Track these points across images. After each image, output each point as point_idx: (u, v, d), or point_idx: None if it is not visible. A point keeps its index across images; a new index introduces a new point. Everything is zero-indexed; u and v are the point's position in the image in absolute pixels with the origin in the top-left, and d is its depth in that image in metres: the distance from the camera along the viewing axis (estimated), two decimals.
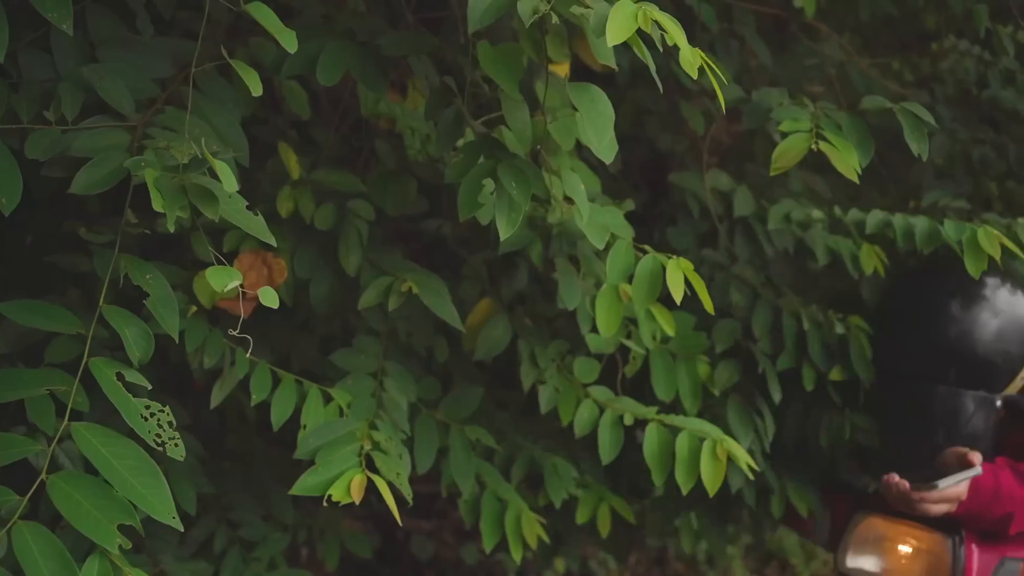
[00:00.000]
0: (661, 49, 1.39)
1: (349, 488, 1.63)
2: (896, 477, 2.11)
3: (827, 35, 2.68)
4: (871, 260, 2.32)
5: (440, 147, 1.69)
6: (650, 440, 1.90)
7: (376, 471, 1.68)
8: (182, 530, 1.28)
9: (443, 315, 1.84)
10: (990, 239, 1.97)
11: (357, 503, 1.64)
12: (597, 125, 1.51)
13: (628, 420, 1.96)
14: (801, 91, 2.70)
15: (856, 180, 1.73)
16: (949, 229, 2.05)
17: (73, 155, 1.41)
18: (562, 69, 2.02)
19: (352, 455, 1.70)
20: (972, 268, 2.00)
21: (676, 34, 1.36)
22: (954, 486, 2.10)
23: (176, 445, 1.33)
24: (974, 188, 2.97)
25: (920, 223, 2.13)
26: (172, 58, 1.59)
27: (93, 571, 1.22)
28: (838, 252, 2.35)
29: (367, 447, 1.72)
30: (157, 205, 1.27)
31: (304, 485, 1.64)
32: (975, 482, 2.12)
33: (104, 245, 1.50)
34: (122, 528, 1.24)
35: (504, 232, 1.54)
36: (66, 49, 1.52)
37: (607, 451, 1.96)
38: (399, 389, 1.92)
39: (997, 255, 1.97)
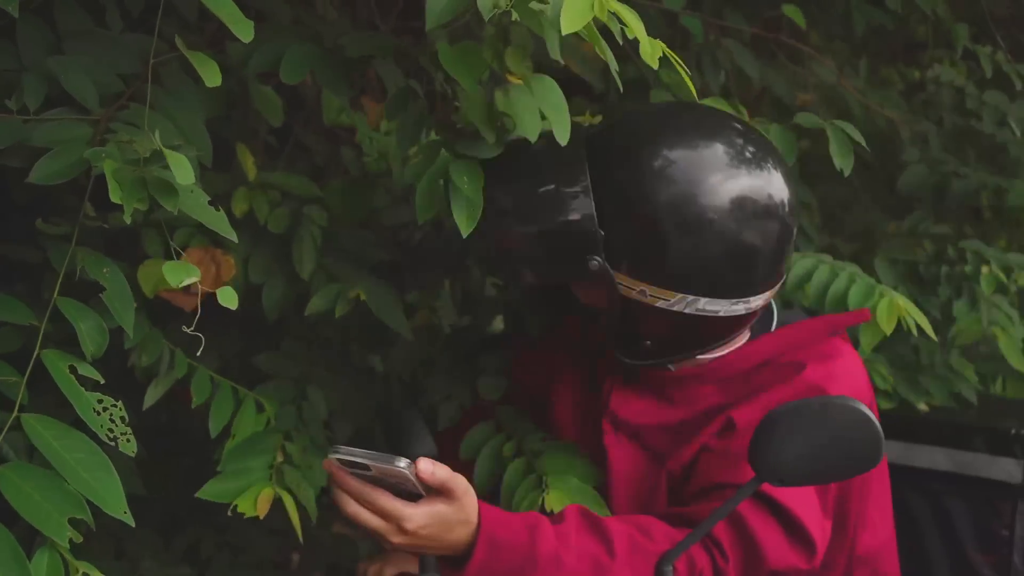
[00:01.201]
0: (621, 42, 1.38)
1: (256, 501, 1.62)
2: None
3: (812, 56, 2.67)
4: None
5: (400, 147, 1.69)
6: None
7: (285, 486, 1.67)
8: (133, 525, 1.26)
9: (391, 323, 1.86)
10: (890, 312, 1.96)
11: (261, 518, 1.62)
12: (554, 115, 1.55)
13: (508, 451, 1.87)
14: (792, 100, 2.71)
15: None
16: (856, 293, 2.03)
17: (34, 146, 1.40)
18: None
19: (263, 467, 1.68)
20: (865, 343, 2.01)
21: (635, 26, 1.35)
22: (367, 491, 1.41)
23: (128, 440, 1.31)
24: (964, 200, 2.94)
25: (838, 282, 2.08)
26: (139, 54, 1.57)
27: (43, 565, 1.20)
28: None
29: (279, 459, 1.71)
30: (115, 197, 1.26)
31: (210, 491, 1.63)
32: (490, 534, 1.45)
33: (60, 238, 1.49)
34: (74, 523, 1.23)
35: (465, 228, 1.54)
36: (31, 41, 1.51)
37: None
38: (321, 397, 1.90)
39: (888, 330, 1.95)
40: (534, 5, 1.36)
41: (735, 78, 2.60)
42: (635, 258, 1.56)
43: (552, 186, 1.57)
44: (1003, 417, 2.42)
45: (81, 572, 1.23)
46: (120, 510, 1.26)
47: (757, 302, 1.62)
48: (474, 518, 1.46)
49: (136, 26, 1.71)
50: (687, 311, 1.59)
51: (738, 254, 1.57)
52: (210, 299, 1.68)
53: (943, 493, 2.30)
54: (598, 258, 1.55)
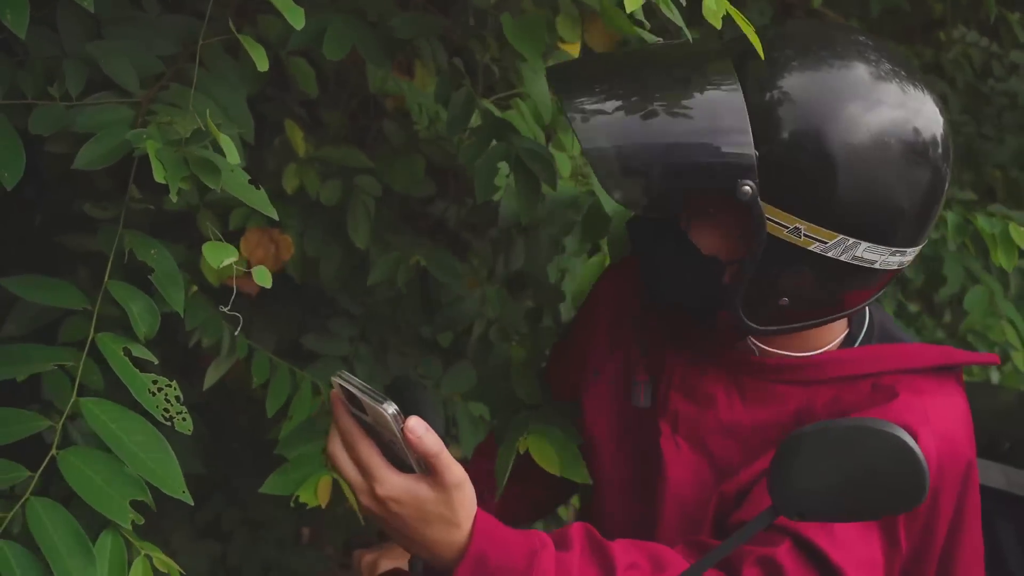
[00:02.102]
0: (684, 3, 1.32)
1: (316, 490, 1.59)
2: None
3: (836, 20, 2.67)
4: None
5: (451, 130, 1.69)
6: None
7: None
8: (192, 503, 1.27)
9: (453, 286, 1.87)
10: (1018, 233, 1.98)
11: (323, 507, 1.59)
12: None
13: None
14: None
15: None
16: (980, 222, 2.06)
17: (77, 131, 1.41)
18: (574, 50, 2.03)
19: (316, 452, 1.66)
20: (1004, 262, 1.98)
21: None
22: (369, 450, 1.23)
23: (184, 419, 1.32)
24: (977, 176, 2.96)
25: (951, 216, 2.14)
26: (178, 36, 1.58)
27: (107, 547, 1.21)
28: None
29: None
30: (159, 176, 1.26)
31: (273, 484, 1.61)
32: (480, 553, 1.24)
33: (109, 221, 1.50)
34: (134, 504, 1.23)
35: (525, 216, 1.54)
36: (72, 27, 1.51)
37: None
38: (367, 375, 1.92)
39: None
40: None
41: None
42: (793, 187, 1.31)
43: (700, 94, 1.31)
44: None
45: (143, 553, 1.23)
46: (179, 490, 1.27)
47: (912, 254, 1.41)
48: (465, 523, 1.24)
49: (175, 8, 1.71)
50: (842, 258, 1.34)
51: (912, 191, 1.34)
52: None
53: (991, 512, 2.04)
54: (750, 183, 1.29)
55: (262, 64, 1.36)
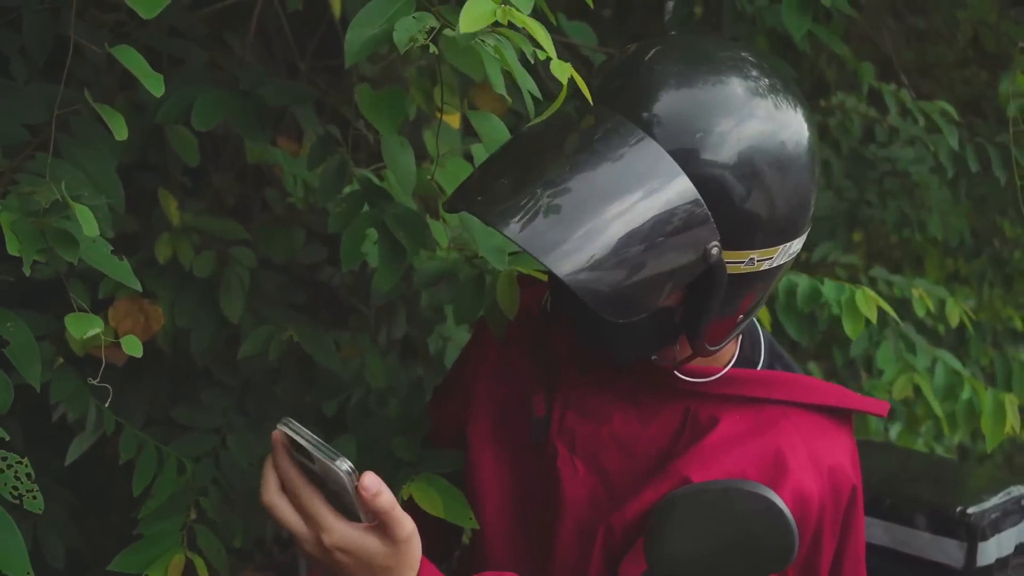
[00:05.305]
0: (532, 62, 1.26)
1: (167, 570, 1.57)
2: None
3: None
4: None
5: (323, 196, 1.68)
6: None
7: (197, 548, 1.62)
8: None
9: (326, 363, 1.83)
10: (867, 302, 1.97)
11: None
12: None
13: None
14: None
15: None
16: (828, 289, 2.07)
17: None
18: (453, 120, 2.03)
19: (175, 530, 1.63)
20: (850, 330, 2.00)
21: (543, 39, 1.21)
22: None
23: (34, 498, 1.28)
24: (867, 236, 3.02)
25: (802, 281, 2.15)
26: (46, 104, 1.55)
27: None
28: None
29: (192, 517, 1.67)
30: (12, 248, 1.24)
31: (121, 562, 1.57)
32: None
33: None
34: None
35: (385, 284, 1.52)
36: None
37: None
38: (241, 446, 1.87)
39: (873, 317, 1.97)
40: (448, 32, 1.25)
41: None
42: (745, 227, 1.28)
43: (638, 179, 1.23)
44: (948, 493, 2.16)
45: None
46: (23, 571, 1.22)
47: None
48: (410, 574, 1.26)
49: (44, 73, 1.68)
50: (784, 261, 1.36)
51: (814, 179, 1.34)
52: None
53: (876, 570, 1.97)
54: (716, 243, 1.25)
55: (120, 133, 1.35)
